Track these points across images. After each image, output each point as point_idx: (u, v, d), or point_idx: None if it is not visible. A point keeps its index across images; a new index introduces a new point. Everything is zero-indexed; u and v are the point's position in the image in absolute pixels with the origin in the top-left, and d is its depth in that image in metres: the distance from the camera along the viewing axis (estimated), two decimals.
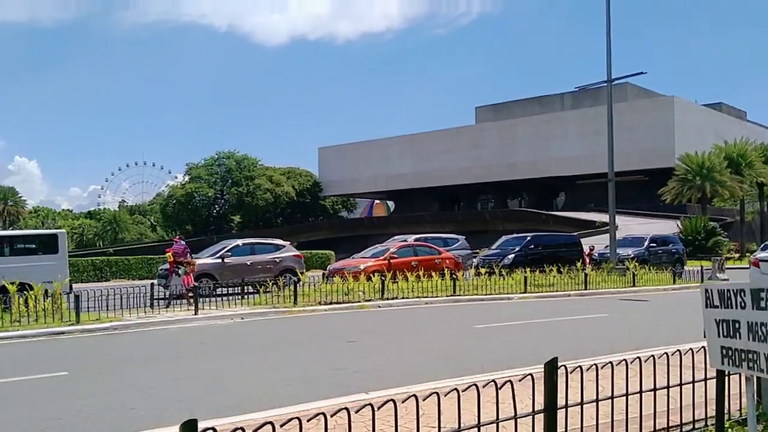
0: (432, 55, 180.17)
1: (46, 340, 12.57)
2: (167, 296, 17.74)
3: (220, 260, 22.26)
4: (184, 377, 8.69)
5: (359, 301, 17.48)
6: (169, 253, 18.65)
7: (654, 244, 31.89)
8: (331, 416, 3.45)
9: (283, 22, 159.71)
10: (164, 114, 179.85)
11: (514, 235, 30.25)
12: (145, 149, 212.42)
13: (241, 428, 3.03)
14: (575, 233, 38.99)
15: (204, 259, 22.74)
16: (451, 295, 19.00)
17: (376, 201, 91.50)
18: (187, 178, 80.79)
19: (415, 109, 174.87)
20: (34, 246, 21.75)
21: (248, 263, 22.50)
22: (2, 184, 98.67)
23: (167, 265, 18.85)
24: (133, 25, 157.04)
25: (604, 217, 41.95)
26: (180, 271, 18.12)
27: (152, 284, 18.24)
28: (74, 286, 20.06)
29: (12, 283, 15.54)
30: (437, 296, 18.73)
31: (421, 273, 19.95)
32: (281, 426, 3.26)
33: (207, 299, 17.19)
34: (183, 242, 19.74)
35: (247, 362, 9.85)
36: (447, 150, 68.96)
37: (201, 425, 2.84)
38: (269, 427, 3.16)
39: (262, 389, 7.75)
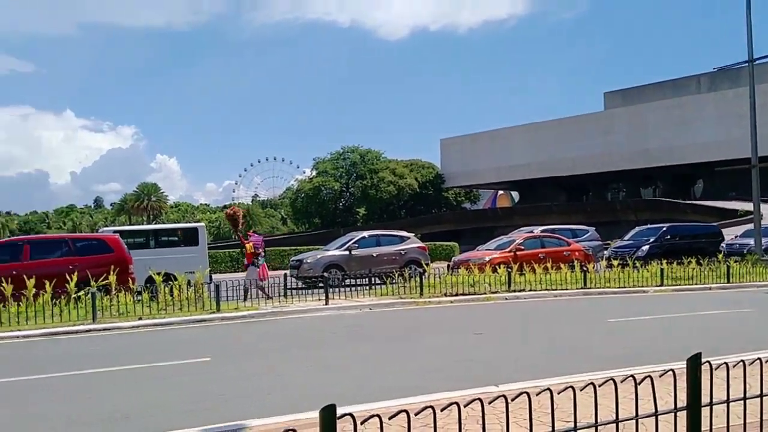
0: (557, 41, 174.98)
1: (189, 328, 13.39)
2: (247, 289, 17.44)
3: (347, 252, 22.83)
4: (317, 365, 8.98)
5: (485, 293, 17.35)
6: (250, 245, 18.56)
7: None
8: (464, 406, 3.44)
9: (404, 15, 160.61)
10: (292, 110, 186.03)
11: (648, 226, 28.97)
12: (275, 145, 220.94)
13: (377, 415, 3.09)
14: (715, 223, 36.72)
15: (332, 251, 23.42)
16: (581, 288, 18.45)
17: (500, 192, 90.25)
18: (314, 172, 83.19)
19: (539, 97, 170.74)
20: (176, 238, 23.25)
21: (374, 255, 22.92)
22: (146, 180, 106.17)
23: (259, 261, 18.26)
24: (261, 26, 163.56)
25: (747, 206, 39.22)
26: (259, 262, 18.11)
27: (285, 275, 19.01)
28: (213, 276, 21.24)
29: (158, 273, 16.66)
30: (566, 289, 18.25)
31: (549, 265, 19.50)
32: (416, 414, 3.29)
33: (336, 289, 17.66)
34: (258, 235, 19.86)
35: (376, 352, 10.04)
36: (574, 138, 66.83)
37: (339, 411, 2.92)
38: (404, 414, 3.21)
39: (392, 378, 7.88)
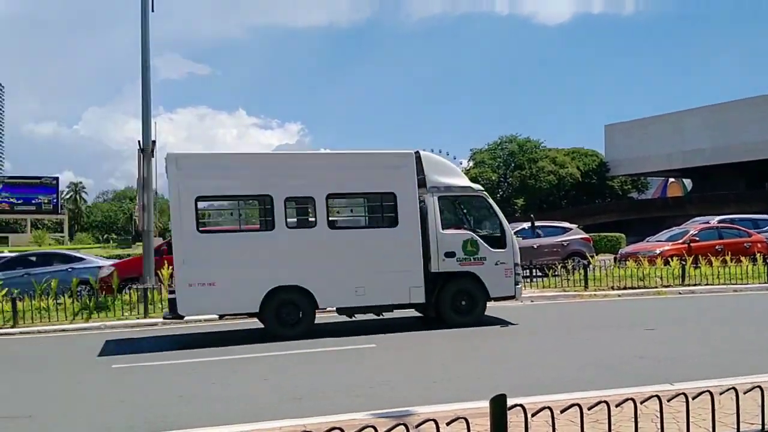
0: (736, 16, 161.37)
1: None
2: None
3: None
4: (481, 355, 8.98)
5: (656, 287, 16.46)
6: None
7: None
8: (641, 403, 3.31)
9: None
10: (450, 102, 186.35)
11: None
12: (432, 137, 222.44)
13: (549, 407, 3.05)
14: None
15: None
16: (765, 283, 16.96)
17: (671, 180, 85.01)
18: (471, 163, 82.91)
19: (715, 78, 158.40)
20: None
21: (535, 246, 22.43)
22: None
23: None
24: (419, 19, 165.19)
25: None
26: None
27: None
28: None
29: None
30: (748, 283, 16.86)
31: (727, 258, 18.12)
32: (588, 409, 3.21)
33: None
34: None
35: (539, 344, 9.86)
36: (755, 120, 61.42)
37: (509, 401, 2.92)
38: (576, 408, 3.14)
39: (558, 372, 7.71)
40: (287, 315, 10.88)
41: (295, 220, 11.45)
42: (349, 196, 12.49)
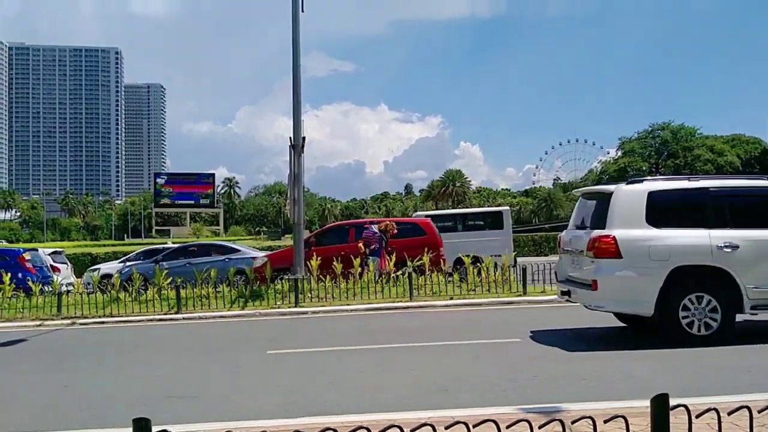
0: None
1: (497, 309, 13.75)
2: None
3: None
4: (632, 355, 8.61)
5: None
6: (360, 244, 17.09)
7: None
8: None
9: None
10: (596, 90, 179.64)
11: None
12: (576, 127, 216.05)
13: (715, 409, 2.89)
14: None
15: None
16: None
17: None
18: (619, 152, 79.61)
19: None
20: (482, 222, 24.05)
21: None
22: (449, 167, 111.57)
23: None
24: (564, 5, 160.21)
25: None
26: (368, 261, 16.57)
27: None
28: (517, 259, 21.51)
29: (467, 256, 17.38)
30: None
31: None
32: (759, 412, 3.01)
33: None
34: (375, 228, 17.59)
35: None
36: None
37: (671, 401, 2.80)
38: (745, 410, 2.95)
39: (719, 374, 7.25)
40: None
41: None
42: None
